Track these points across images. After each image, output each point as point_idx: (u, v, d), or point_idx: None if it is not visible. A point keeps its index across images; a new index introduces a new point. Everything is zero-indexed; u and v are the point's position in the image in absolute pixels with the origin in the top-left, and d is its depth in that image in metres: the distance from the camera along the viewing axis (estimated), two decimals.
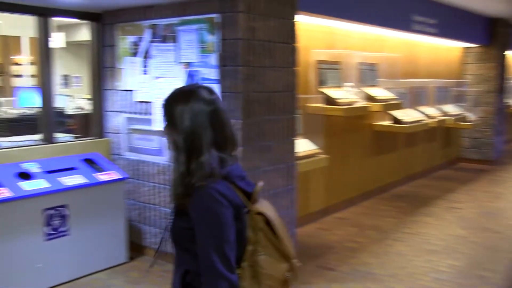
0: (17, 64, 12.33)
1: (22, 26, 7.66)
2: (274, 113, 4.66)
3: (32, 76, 10.74)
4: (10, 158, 4.50)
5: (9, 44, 12.36)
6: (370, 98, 6.92)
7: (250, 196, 1.89)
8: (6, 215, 4.03)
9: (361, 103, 6.68)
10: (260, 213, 1.86)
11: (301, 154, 5.35)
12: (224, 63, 4.34)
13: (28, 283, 4.19)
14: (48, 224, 4.30)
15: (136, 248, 5.11)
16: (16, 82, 11.93)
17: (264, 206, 1.92)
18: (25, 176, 4.34)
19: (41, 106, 4.95)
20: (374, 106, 6.83)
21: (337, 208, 6.78)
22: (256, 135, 4.49)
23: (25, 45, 10.27)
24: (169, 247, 4.97)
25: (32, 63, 10.82)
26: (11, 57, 12.61)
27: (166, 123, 1.90)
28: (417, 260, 5.14)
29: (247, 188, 1.89)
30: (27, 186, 4.22)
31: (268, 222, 1.86)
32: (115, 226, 4.80)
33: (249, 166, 4.42)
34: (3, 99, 9.66)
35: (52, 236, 4.33)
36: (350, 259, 5.15)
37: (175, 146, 1.87)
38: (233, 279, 1.76)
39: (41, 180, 4.35)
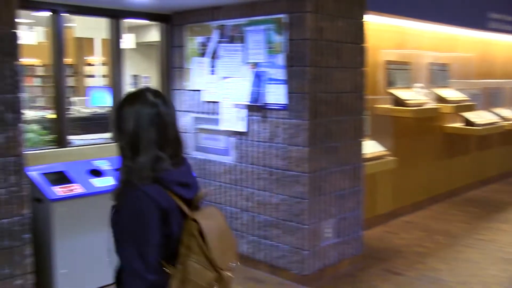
0: (89, 64, 12.81)
1: (95, 28, 7.92)
2: (341, 114, 4.58)
3: (104, 76, 11.11)
4: (82, 155, 4.65)
5: (83, 45, 12.86)
6: (441, 99, 6.69)
7: (191, 203, 1.92)
8: (79, 210, 4.17)
9: (431, 104, 6.48)
10: (194, 220, 1.86)
11: (368, 156, 5.24)
12: (291, 64, 4.30)
13: (100, 277, 4.31)
14: None
15: None
16: (89, 82, 12.39)
17: (205, 214, 1.92)
18: (97, 173, 4.47)
19: (112, 105, 5.10)
20: (445, 107, 6.60)
21: (404, 212, 6.59)
22: (323, 135, 4.43)
23: (98, 46, 10.62)
24: None
25: (103, 64, 11.18)
26: (84, 58, 13.12)
27: (115, 127, 1.93)
28: (490, 268, 4.91)
29: (186, 194, 1.90)
30: (98, 183, 4.35)
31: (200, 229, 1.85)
32: None
33: (315, 166, 4.37)
34: (76, 98, 10.04)
35: None
36: (418, 264, 4.99)
37: (121, 149, 1.91)
38: (150, 278, 1.79)
39: (111, 177, 4.47)
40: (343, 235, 4.75)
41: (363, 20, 4.74)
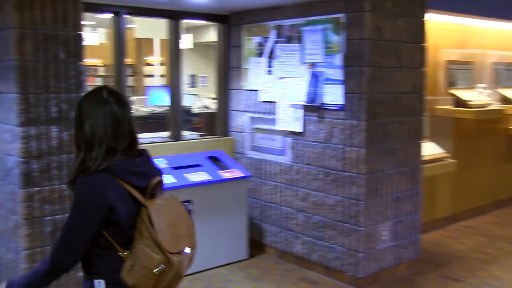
0: (148, 64, 13.10)
1: (155, 28, 8.10)
2: (399, 115, 4.49)
3: (162, 76, 11.32)
4: None
5: (142, 46, 13.17)
6: (507, 100, 6.44)
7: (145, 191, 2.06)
8: None
9: (496, 105, 6.25)
10: (145, 206, 2.01)
11: (427, 158, 5.12)
12: (349, 64, 4.25)
13: None
14: None
15: (256, 245, 5.18)
16: (148, 81, 12.67)
17: (159, 201, 2.07)
18: None
19: (169, 104, 5.19)
20: (511, 108, 6.35)
21: (464, 216, 6.39)
22: (380, 136, 4.35)
23: (157, 46, 10.84)
24: (289, 247, 4.95)
25: (161, 64, 11.39)
26: (143, 58, 13.44)
27: (74, 122, 2.10)
28: None
29: (138, 182, 2.04)
30: None
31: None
32: (237, 223, 4.90)
33: (372, 168, 4.30)
34: (135, 97, 10.30)
35: None
36: (479, 271, 4.82)
37: (76, 141, 2.07)
38: (64, 260, 2.00)
39: (168, 175, 4.55)
40: (400, 238, 4.65)
41: (423, 18, 4.62)
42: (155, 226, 1.97)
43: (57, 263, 2.02)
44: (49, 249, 3.61)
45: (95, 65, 13.27)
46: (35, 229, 3.56)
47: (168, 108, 5.33)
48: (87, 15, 3.96)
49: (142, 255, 1.97)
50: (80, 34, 3.65)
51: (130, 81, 12.66)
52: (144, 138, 5.18)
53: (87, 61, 4.59)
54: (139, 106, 9.03)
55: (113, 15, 4.66)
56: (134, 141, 2.11)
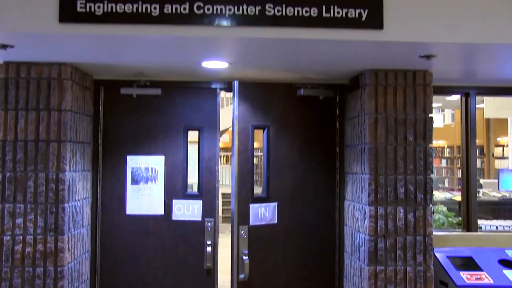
0: (499, 145, 12.37)
1: (508, 107, 7.63)
2: None
3: None
4: (492, 242, 4.39)
5: (492, 126, 12.57)
6: None
7: None
8: None
9: None
10: None
11: None
12: None
13: None
14: None
15: None
16: (498, 164, 11.93)
17: None
18: (508, 264, 4.13)
19: None
20: None
21: None
22: None
23: (510, 126, 10.20)
24: None
25: None
26: (494, 139, 12.78)
27: None
28: None
29: None
30: (510, 275, 4.00)
31: None
32: None
33: None
34: (484, 180, 9.75)
35: None
36: None
37: None
38: None
39: None
40: None
41: None
42: None
43: None
44: None
45: (440, 147, 13.25)
46: None
47: None
48: (434, 97, 3.97)
49: None
50: (430, 117, 3.69)
51: (478, 163, 12.17)
52: (494, 225, 4.80)
53: (433, 143, 4.58)
54: (488, 190, 8.49)
55: (462, 96, 4.57)
56: None
